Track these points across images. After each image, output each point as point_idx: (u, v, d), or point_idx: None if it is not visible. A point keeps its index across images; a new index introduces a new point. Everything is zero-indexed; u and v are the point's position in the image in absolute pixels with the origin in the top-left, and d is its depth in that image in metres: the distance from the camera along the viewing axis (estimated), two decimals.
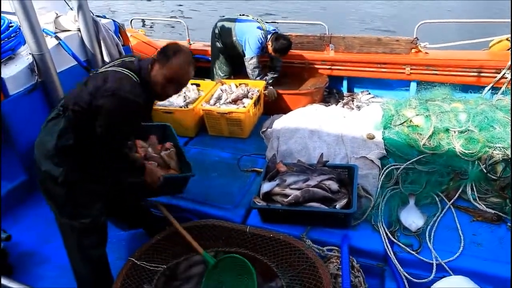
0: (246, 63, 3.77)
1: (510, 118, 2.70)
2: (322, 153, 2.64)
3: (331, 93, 4.26)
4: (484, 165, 2.50)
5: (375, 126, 3.06)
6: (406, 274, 2.01)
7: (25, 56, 3.06)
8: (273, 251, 2.03)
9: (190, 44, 4.74)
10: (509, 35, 3.62)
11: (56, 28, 3.46)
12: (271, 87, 3.81)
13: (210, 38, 4.17)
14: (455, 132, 2.74)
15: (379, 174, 2.62)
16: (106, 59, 3.69)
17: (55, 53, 3.16)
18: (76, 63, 3.43)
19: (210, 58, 4.37)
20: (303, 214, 2.24)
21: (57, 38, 3.30)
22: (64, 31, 3.47)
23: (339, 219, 2.24)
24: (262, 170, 2.60)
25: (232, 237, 2.09)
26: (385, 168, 2.64)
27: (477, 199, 2.39)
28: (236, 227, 2.12)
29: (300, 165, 2.53)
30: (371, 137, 2.95)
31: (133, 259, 1.88)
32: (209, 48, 4.41)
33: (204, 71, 4.37)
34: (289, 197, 2.23)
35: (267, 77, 3.89)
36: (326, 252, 2.08)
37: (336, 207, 2.24)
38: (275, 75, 3.96)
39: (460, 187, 2.46)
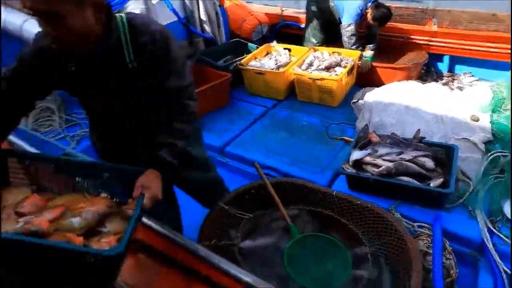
0: (342, 30, 3.62)
1: None
2: (419, 129, 2.48)
3: (429, 71, 3.95)
4: None
5: (481, 108, 2.79)
6: (505, 268, 1.84)
7: (132, 11, 3.26)
8: (359, 218, 1.97)
9: (282, 11, 4.69)
10: None
11: None
12: (365, 58, 3.64)
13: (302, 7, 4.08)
14: None
15: (482, 159, 2.40)
16: (203, 17, 3.81)
17: (158, 8, 3.32)
18: (176, 19, 3.58)
19: (301, 26, 4.29)
20: (394, 187, 2.14)
21: None
22: None
23: (433, 198, 2.11)
24: (351, 139, 2.52)
25: (318, 199, 2.07)
26: (489, 154, 2.40)
27: None
28: (323, 189, 2.09)
29: (394, 137, 2.41)
30: (476, 119, 2.69)
31: (222, 204, 1.95)
32: (301, 15, 4.33)
33: (295, 38, 4.31)
34: (381, 168, 2.15)
35: (370, 47, 3.70)
36: (416, 228, 1.98)
37: (430, 185, 2.11)
38: (375, 47, 3.77)
39: None
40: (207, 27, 3.78)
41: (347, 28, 3.57)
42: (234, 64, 3.53)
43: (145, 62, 1.32)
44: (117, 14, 1.31)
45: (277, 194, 2.01)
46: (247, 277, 1.29)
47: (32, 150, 1.88)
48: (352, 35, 3.58)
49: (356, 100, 3.24)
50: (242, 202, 2.02)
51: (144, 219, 1.52)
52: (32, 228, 1.20)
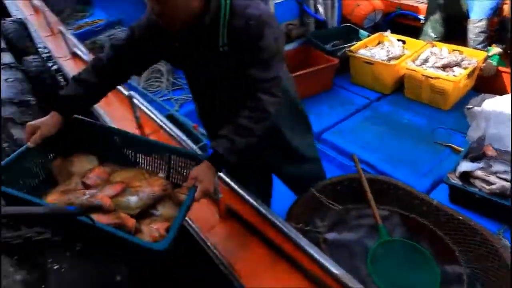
0: (470, 26, 3.25)
1: None
2: None
3: None
4: None
5: None
6: None
7: None
8: (458, 235, 1.81)
9: None
10: None
11: None
12: (490, 60, 3.24)
13: None
14: None
15: None
16: None
17: None
18: None
19: (420, 17, 3.98)
20: (506, 210, 1.92)
21: None
22: None
23: None
24: (460, 148, 2.31)
25: (414, 204, 1.94)
26: None
27: None
28: (421, 195, 1.95)
29: None
30: None
31: (314, 191, 1.94)
32: (420, 5, 4.01)
33: (410, 29, 4.01)
34: (494, 185, 1.94)
35: (500, 47, 3.27)
36: None
37: None
38: (504, 47, 3.33)
39: None
40: (320, 8, 3.70)
41: (477, 24, 3.19)
42: (343, 50, 3.41)
43: (236, 46, 1.27)
44: None
45: (370, 191, 1.93)
46: (336, 269, 1.28)
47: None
48: (481, 32, 3.20)
49: (471, 106, 2.93)
50: (333, 192, 1.98)
51: (239, 190, 1.58)
52: (96, 202, 1.29)
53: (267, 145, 1.71)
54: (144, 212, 1.35)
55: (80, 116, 1.53)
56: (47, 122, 1.37)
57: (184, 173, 1.46)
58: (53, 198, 1.33)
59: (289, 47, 3.59)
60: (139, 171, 1.51)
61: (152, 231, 1.27)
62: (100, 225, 1.15)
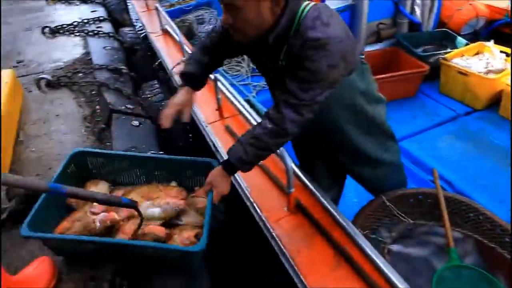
0: None
1: None
2: None
3: None
4: None
5: None
6: None
7: None
8: None
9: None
10: None
11: None
12: None
13: None
14: None
15: None
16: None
17: None
18: None
19: None
20: None
21: None
22: None
23: None
24: None
25: (494, 233, 1.79)
26: None
27: None
28: (506, 225, 1.79)
29: None
30: None
31: (385, 199, 1.87)
32: None
33: None
34: None
35: None
36: None
37: None
38: None
39: None
40: (417, 9, 3.49)
41: None
42: (436, 57, 3.18)
43: (290, 62, 1.26)
44: (306, 4, 1.21)
45: (447, 210, 1.82)
46: (401, 284, 1.23)
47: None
48: None
49: None
50: (405, 204, 1.89)
51: (312, 187, 1.58)
52: (108, 222, 1.46)
53: (335, 147, 1.69)
54: (169, 223, 1.52)
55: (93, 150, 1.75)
56: (189, 98, 1.48)
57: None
58: (64, 226, 1.48)
59: (376, 47, 3.46)
60: (153, 185, 1.66)
61: (183, 239, 1.42)
62: (142, 243, 1.36)
